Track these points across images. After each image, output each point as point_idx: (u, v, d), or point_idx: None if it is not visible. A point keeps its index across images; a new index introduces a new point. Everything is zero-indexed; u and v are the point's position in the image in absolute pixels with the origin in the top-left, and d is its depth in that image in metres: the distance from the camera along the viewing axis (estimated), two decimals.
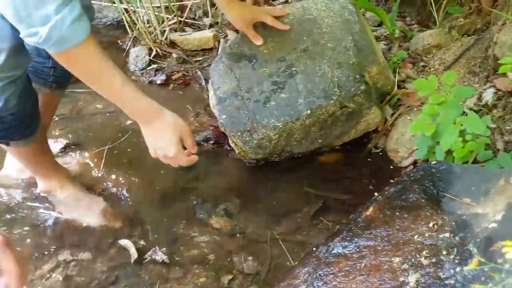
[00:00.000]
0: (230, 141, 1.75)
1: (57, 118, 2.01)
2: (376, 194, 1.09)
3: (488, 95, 1.58)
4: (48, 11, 1.08)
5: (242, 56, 1.76)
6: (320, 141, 1.70)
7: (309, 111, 1.60)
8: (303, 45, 1.73)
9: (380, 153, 1.78)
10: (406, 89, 1.83)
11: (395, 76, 1.84)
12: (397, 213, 0.99)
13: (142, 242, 1.49)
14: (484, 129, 1.16)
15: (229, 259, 1.43)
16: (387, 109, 1.83)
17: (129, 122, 2.00)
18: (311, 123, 1.63)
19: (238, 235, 1.51)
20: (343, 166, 1.76)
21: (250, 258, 1.43)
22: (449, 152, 1.35)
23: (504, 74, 1.52)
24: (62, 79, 1.61)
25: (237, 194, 1.66)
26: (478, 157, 1.34)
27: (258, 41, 1.71)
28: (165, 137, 1.35)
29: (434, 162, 1.07)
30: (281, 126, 1.61)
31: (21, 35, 1.14)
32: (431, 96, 1.42)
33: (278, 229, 1.52)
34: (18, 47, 1.28)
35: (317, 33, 1.74)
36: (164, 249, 1.46)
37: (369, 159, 1.77)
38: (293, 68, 1.68)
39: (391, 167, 1.71)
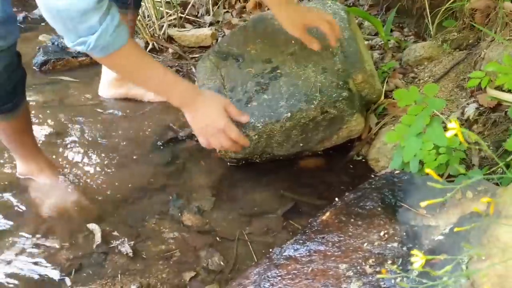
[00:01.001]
0: None
1: (44, 105, 2.03)
2: (336, 199, 1.08)
3: (470, 110, 1.57)
4: (92, 23, 1.22)
5: (230, 54, 1.76)
6: (301, 144, 1.70)
7: (289, 114, 1.60)
8: (291, 48, 1.73)
9: (362, 161, 1.77)
10: (393, 99, 1.82)
11: (383, 86, 1.84)
12: (352, 220, 0.99)
13: (111, 233, 1.50)
14: (445, 141, 1.15)
15: (195, 256, 1.43)
16: (371, 117, 1.82)
17: (115, 113, 2.02)
18: (292, 126, 1.63)
19: (207, 232, 1.51)
20: (323, 171, 1.75)
21: (216, 256, 1.42)
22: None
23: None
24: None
25: (213, 192, 1.66)
26: (451, 171, 1.33)
27: (315, 46, 1.60)
28: (211, 112, 1.47)
29: (397, 172, 1.07)
30: (260, 127, 1.61)
31: (69, 45, 1.28)
32: (410, 107, 1.41)
33: (248, 229, 1.52)
34: (5, 18, 1.32)
35: None
36: (132, 242, 1.46)
37: (350, 167, 1.76)
38: (278, 70, 1.69)
39: (371, 175, 1.70)
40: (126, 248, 1.43)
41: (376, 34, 2.25)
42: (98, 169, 1.74)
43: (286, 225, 1.53)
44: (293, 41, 1.74)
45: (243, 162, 1.74)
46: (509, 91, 1.42)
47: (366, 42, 2.19)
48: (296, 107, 1.61)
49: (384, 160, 1.69)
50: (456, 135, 0.71)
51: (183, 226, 1.53)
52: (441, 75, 1.86)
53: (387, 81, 1.88)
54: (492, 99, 1.51)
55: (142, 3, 1.97)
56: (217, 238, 1.49)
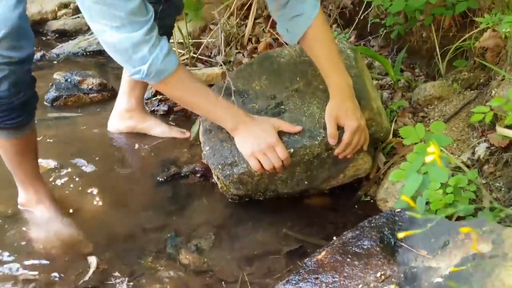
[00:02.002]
0: (213, 175, 1.72)
1: (52, 139, 2.04)
2: (334, 238, 1.03)
3: (481, 150, 1.51)
4: (144, 53, 1.38)
5: (235, 90, 1.75)
6: (306, 182, 1.65)
7: (292, 150, 1.56)
8: (296, 85, 1.72)
9: (370, 202, 1.71)
10: (402, 138, 1.78)
11: (392, 125, 1.80)
12: (348, 260, 0.93)
13: (105, 269, 1.45)
14: (445, 178, 1.10)
15: None
16: (380, 157, 1.77)
17: (120, 147, 2.01)
18: (295, 163, 1.59)
19: (205, 272, 1.45)
20: (329, 211, 1.70)
21: None
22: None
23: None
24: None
25: (213, 230, 1.61)
26: (460, 213, 1.27)
27: (331, 140, 1.57)
28: (262, 131, 1.52)
29: (398, 210, 1.02)
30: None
31: (129, 74, 1.45)
32: (416, 145, 1.37)
33: (248, 270, 1.45)
34: (20, 31, 1.38)
35: (311, 75, 1.73)
36: (126, 279, 1.41)
37: (357, 206, 1.70)
38: (282, 106, 1.67)
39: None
40: (120, 286, 1.38)
41: (387, 74, 2.24)
42: (98, 203, 1.72)
43: (290, 266, 1.46)
44: (298, 78, 1.73)
45: (247, 199, 1.70)
46: None
47: (376, 82, 2.17)
48: (299, 143, 1.57)
49: (393, 200, 1.62)
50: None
51: (180, 265, 1.47)
52: (452, 115, 1.81)
53: (396, 120, 1.84)
54: (503, 138, 1.45)
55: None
56: (215, 279, 1.43)
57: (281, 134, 1.58)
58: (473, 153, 1.56)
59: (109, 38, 1.37)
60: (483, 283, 0.76)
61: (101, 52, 2.83)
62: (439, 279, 0.79)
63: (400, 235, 0.63)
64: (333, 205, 1.71)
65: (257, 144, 1.51)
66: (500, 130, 1.41)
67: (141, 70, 1.41)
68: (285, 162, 1.53)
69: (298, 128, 1.57)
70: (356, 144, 1.57)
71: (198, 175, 1.84)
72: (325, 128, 1.58)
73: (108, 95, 2.38)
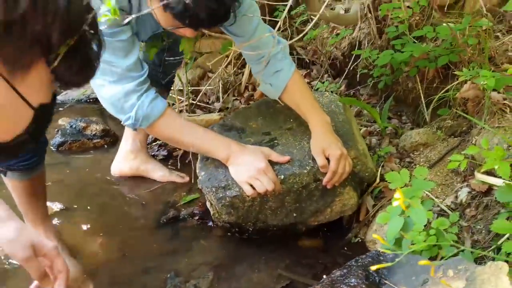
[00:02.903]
0: (207, 202, 1.81)
1: (57, 183, 2.13)
2: (324, 276, 1.11)
3: (463, 194, 1.61)
4: (133, 101, 1.59)
5: (233, 127, 1.88)
6: (295, 215, 1.74)
7: (282, 177, 1.67)
8: (289, 125, 1.86)
9: (359, 243, 1.79)
10: (389, 182, 1.88)
11: (379, 170, 1.91)
12: None
13: None
14: (424, 221, 1.19)
15: None
16: (368, 200, 1.87)
17: (121, 190, 2.10)
18: (285, 191, 1.69)
19: None
20: (321, 252, 1.77)
21: None
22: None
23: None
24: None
25: (211, 270, 1.68)
26: (442, 253, 1.35)
27: (324, 169, 1.68)
28: (254, 158, 1.63)
29: (382, 251, 1.10)
30: None
31: (124, 123, 1.65)
32: (400, 189, 1.46)
33: None
34: None
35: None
36: None
37: (347, 248, 1.78)
38: (276, 141, 1.79)
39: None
40: None
41: (374, 122, 2.36)
42: (100, 244, 1.79)
43: None
44: (291, 120, 1.86)
45: (236, 230, 1.77)
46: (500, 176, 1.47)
47: (365, 128, 2.30)
48: (289, 170, 1.68)
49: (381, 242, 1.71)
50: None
51: None
52: (436, 161, 1.92)
53: (383, 165, 1.95)
54: (482, 183, 1.56)
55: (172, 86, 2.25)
56: None
57: (272, 163, 1.69)
58: (456, 197, 1.65)
59: (106, 91, 1.58)
60: None
61: None
62: None
63: (373, 267, 0.71)
64: (324, 246, 1.80)
65: (249, 170, 1.61)
66: (478, 176, 1.52)
67: (130, 116, 1.60)
68: (276, 186, 1.63)
69: (286, 158, 1.68)
70: (342, 172, 1.69)
71: (196, 217, 1.92)
72: (314, 160, 1.70)
73: (110, 140, 2.49)
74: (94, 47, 0.74)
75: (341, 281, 1.03)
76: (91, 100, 2.94)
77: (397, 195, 0.72)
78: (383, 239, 0.85)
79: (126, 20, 1.51)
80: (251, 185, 1.63)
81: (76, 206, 1.97)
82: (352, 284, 1.01)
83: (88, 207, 1.97)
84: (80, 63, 0.73)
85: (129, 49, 1.57)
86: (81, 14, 0.70)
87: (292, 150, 1.74)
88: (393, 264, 0.79)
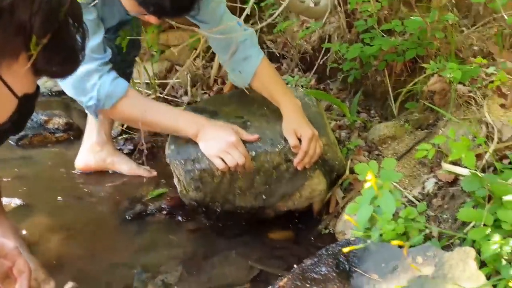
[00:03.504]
0: (174, 179, 1.77)
1: (18, 178, 2.05)
2: (295, 266, 1.10)
3: (430, 185, 1.63)
4: (94, 81, 1.58)
5: (205, 110, 1.84)
6: (264, 197, 1.72)
7: (253, 153, 1.66)
8: (262, 111, 1.86)
9: (329, 234, 1.79)
10: (358, 174, 1.89)
11: (347, 162, 1.91)
12: (307, 285, 1.01)
13: None
14: (392, 208, 1.20)
15: None
16: (338, 192, 1.88)
17: (87, 185, 2.04)
18: (255, 170, 1.68)
19: None
20: (292, 244, 1.77)
21: None
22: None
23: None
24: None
25: (180, 265, 1.64)
26: (411, 242, 1.36)
27: (295, 149, 1.69)
28: (223, 132, 1.62)
29: (353, 239, 1.10)
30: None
31: (85, 106, 1.63)
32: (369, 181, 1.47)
33: None
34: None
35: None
36: None
37: (317, 239, 1.78)
38: (248, 123, 1.78)
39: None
40: None
41: (344, 116, 2.37)
42: (62, 241, 1.73)
43: None
44: (265, 108, 1.86)
45: (203, 209, 1.73)
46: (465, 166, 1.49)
47: (334, 123, 2.30)
48: (261, 148, 1.68)
49: (350, 232, 1.71)
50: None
51: None
52: (404, 153, 1.94)
53: (352, 159, 1.96)
54: (449, 173, 1.58)
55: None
56: None
57: (243, 142, 1.68)
58: (423, 188, 1.67)
59: None
60: None
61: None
62: None
63: (345, 249, 0.70)
64: (295, 238, 1.79)
65: (219, 144, 1.61)
66: (445, 166, 1.54)
67: (92, 96, 1.59)
68: (246, 162, 1.62)
69: (256, 136, 1.67)
70: (313, 153, 1.69)
71: (164, 212, 1.88)
72: (286, 140, 1.70)
73: (74, 134, 2.42)
74: (78, 38, 0.77)
75: (312, 270, 1.02)
76: (53, 93, 2.86)
77: (369, 176, 0.70)
78: (352, 218, 0.85)
79: (93, 3, 1.48)
80: (222, 160, 1.61)
81: (37, 202, 1.90)
82: (322, 273, 1.01)
83: (50, 203, 1.90)
84: (63, 54, 0.76)
85: (94, 30, 1.54)
86: (62, 4, 0.73)
87: (265, 131, 1.73)
88: (365, 246, 0.78)
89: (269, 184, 1.71)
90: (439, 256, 0.95)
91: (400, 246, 1.11)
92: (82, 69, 1.49)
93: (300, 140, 1.68)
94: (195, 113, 1.79)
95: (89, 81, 1.57)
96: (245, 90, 1.90)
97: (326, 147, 1.78)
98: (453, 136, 1.32)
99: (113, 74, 1.62)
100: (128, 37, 1.81)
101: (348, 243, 1.08)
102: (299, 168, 1.70)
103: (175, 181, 1.77)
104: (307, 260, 1.06)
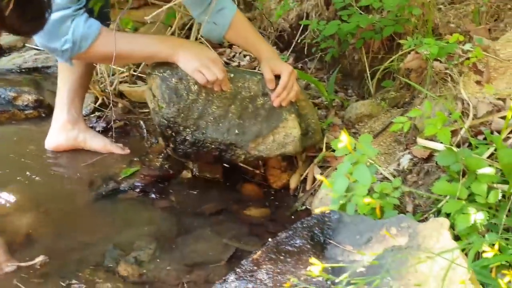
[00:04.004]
0: (147, 100, 1.77)
1: None
2: (270, 239, 1.08)
3: (405, 161, 1.63)
4: (67, 24, 1.57)
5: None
6: (236, 131, 1.69)
7: (232, 75, 1.69)
8: None
9: (306, 211, 1.79)
10: (334, 151, 1.88)
11: (323, 140, 1.91)
12: (281, 257, 0.99)
13: (42, 284, 1.42)
14: (368, 180, 1.19)
15: None
16: (315, 169, 1.87)
17: (57, 163, 1.98)
18: (232, 96, 1.68)
19: (144, 283, 1.46)
20: (268, 221, 1.76)
21: None
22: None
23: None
24: None
25: (153, 242, 1.61)
26: (385, 217, 1.36)
27: (270, 85, 1.72)
28: (203, 49, 1.67)
29: (327, 212, 1.09)
30: None
31: (60, 49, 1.60)
32: (346, 156, 1.46)
33: (188, 278, 1.47)
34: None
35: None
36: None
37: (294, 217, 1.78)
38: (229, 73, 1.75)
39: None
40: None
41: (322, 95, 2.35)
42: (31, 221, 1.67)
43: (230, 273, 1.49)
44: None
45: (172, 134, 1.69)
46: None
47: (311, 101, 2.29)
48: (241, 74, 1.71)
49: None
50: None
51: (119, 277, 1.47)
52: (380, 131, 1.94)
53: (327, 135, 1.95)
54: (424, 150, 1.58)
55: None
56: None
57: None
58: (398, 165, 1.67)
59: None
60: (399, 270, 0.84)
61: (37, 69, 2.79)
62: (362, 269, 0.86)
63: (317, 210, 0.69)
64: (271, 215, 1.79)
65: (199, 59, 1.63)
66: (420, 141, 1.54)
67: (67, 39, 1.58)
68: (224, 80, 1.64)
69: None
70: (291, 88, 1.71)
71: (137, 190, 1.85)
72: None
73: (45, 111, 2.34)
74: None
75: (286, 243, 1.01)
76: (22, 70, 2.75)
77: (343, 137, 0.69)
78: (326, 181, 0.84)
79: None
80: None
81: (6, 179, 1.84)
82: (297, 245, 0.99)
83: (20, 180, 1.84)
84: (32, 11, 0.77)
85: None
86: None
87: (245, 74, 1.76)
88: (339, 218, 0.76)
89: (244, 119, 1.69)
90: (413, 227, 0.94)
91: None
92: (55, 15, 1.49)
93: (277, 78, 1.70)
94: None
95: (62, 25, 1.56)
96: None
97: (303, 103, 1.80)
98: (429, 110, 1.32)
99: (85, 15, 1.60)
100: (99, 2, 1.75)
101: (323, 216, 1.07)
102: (275, 104, 1.70)
103: (149, 100, 1.75)
104: (282, 234, 1.05)
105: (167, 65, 1.69)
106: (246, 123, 1.69)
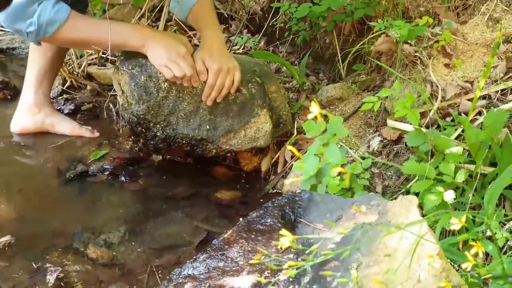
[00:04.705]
0: (118, 94, 1.73)
1: None
2: (241, 219, 1.08)
3: (375, 143, 1.65)
4: (34, 7, 1.51)
5: None
6: (207, 127, 1.67)
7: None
8: None
9: (276, 194, 1.79)
10: (304, 134, 1.89)
11: (294, 122, 1.91)
12: (253, 236, 0.99)
13: (8, 267, 1.39)
14: (338, 158, 1.20)
15: None
16: (287, 152, 1.87)
17: (24, 146, 1.93)
18: (202, 91, 1.66)
19: (114, 266, 1.44)
20: (239, 204, 1.75)
21: None
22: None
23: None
24: None
25: (123, 225, 1.60)
26: (355, 197, 1.38)
27: (202, 76, 1.67)
28: (173, 41, 1.60)
29: (298, 191, 1.09)
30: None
31: (24, 30, 1.55)
32: (317, 138, 1.46)
33: (158, 261, 1.46)
34: None
35: None
36: (31, 276, 1.36)
37: (265, 200, 1.77)
38: None
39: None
40: (23, 282, 1.32)
41: (293, 78, 2.35)
42: (2, 202, 1.64)
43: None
44: None
45: (143, 130, 1.66)
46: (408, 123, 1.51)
47: (282, 85, 2.28)
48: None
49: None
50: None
51: (88, 259, 1.45)
52: (350, 114, 1.95)
53: (298, 119, 1.95)
54: (394, 132, 1.60)
55: None
56: (124, 271, 1.42)
57: None
58: (369, 147, 1.69)
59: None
60: (369, 246, 0.84)
61: (2, 51, 2.70)
62: (332, 245, 0.87)
63: (287, 181, 0.68)
64: (242, 198, 1.78)
65: (169, 54, 1.58)
66: (390, 122, 1.55)
67: (32, 22, 1.52)
68: (193, 76, 1.61)
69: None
70: (221, 86, 1.66)
71: (107, 173, 1.81)
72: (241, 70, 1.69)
73: (11, 93, 2.28)
74: None
75: (257, 222, 1.01)
76: None
77: (313, 107, 0.69)
78: (295, 151, 0.84)
79: None
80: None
81: None
82: (267, 224, 0.99)
83: None
84: None
85: None
86: None
87: None
88: (310, 197, 0.76)
89: (215, 114, 1.67)
90: (383, 205, 0.95)
91: None
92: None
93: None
94: None
95: (29, 8, 1.51)
96: None
97: (274, 94, 1.78)
98: (399, 90, 1.33)
99: (53, 1, 1.54)
100: None
101: (294, 195, 1.07)
102: (208, 103, 1.66)
103: (118, 95, 1.72)
104: (252, 213, 1.05)
105: (135, 59, 1.64)
106: (217, 118, 1.67)
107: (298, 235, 0.97)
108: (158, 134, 1.66)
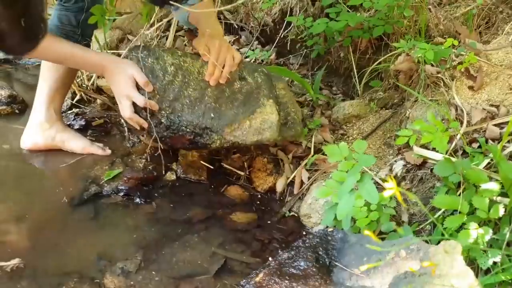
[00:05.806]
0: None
1: None
2: (270, 259, 1.04)
3: (398, 167, 1.61)
4: None
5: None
6: (212, 115, 1.65)
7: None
8: None
9: (293, 217, 1.75)
10: (323, 154, 1.84)
11: (311, 141, 1.87)
12: (286, 281, 0.95)
13: None
14: (376, 198, 1.16)
15: None
16: (303, 172, 1.83)
17: (35, 165, 1.89)
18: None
19: None
20: (255, 228, 1.71)
21: None
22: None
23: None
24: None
25: (139, 251, 1.55)
26: (382, 228, 1.33)
27: (205, 57, 1.69)
28: (119, 80, 1.63)
29: (330, 229, 1.05)
30: (180, 55, 1.68)
31: None
32: (340, 163, 1.42)
33: None
34: None
35: None
36: None
37: (282, 223, 1.74)
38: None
39: (303, 232, 1.68)
40: None
41: (306, 93, 2.31)
42: (12, 226, 1.59)
43: (218, 284, 1.45)
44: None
45: (148, 115, 1.65)
46: (433, 149, 1.48)
47: (296, 99, 2.24)
48: None
49: (316, 216, 1.68)
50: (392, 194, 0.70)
51: None
52: (369, 133, 1.91)
53: (315, 135, 1.91)
54: (418, 157, 1.56)
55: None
56: None
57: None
58: (391, 170, 1.65)
59: None
60: None
61: (8, 61, 2.65)
62: None
63: (362, 268, 0.64)
64: (258, 221, 1.73)
65: (116, 92, 1.67)
66: (417, 149, 1.51)
67: None
68: (150, 106, 1.63)
69: (150, 88, 1.64)
70: (222, 62, 1.66)
71: (121, 194, 1.77)
72: (244, 64, 1.71)
73: (19, 107, 2.23)
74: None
75: (290, 264, 0.96)
76: None
77: (390, 184, 0.64)
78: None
79: None
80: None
81: None
82: (301, 268, 0.95)
83: None
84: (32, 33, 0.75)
85: None
86: None
87: None
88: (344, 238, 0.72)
89: (220, 103, 1.65)
90: (424, 250, 0.91)
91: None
92: None
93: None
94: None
95: None
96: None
97: (283, 91, 1.77)
98: (433, 120, 1.29)
99: None
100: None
101: (326, 234, 1.03)
102: (212, 83, 1.66)
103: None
104: (283, 253, 1.01)
105: (144, 47, 1.67)
106: (222, 107, 1.65)
107: (335, 281, 0.93)
108: (163, 120, 1.65)
